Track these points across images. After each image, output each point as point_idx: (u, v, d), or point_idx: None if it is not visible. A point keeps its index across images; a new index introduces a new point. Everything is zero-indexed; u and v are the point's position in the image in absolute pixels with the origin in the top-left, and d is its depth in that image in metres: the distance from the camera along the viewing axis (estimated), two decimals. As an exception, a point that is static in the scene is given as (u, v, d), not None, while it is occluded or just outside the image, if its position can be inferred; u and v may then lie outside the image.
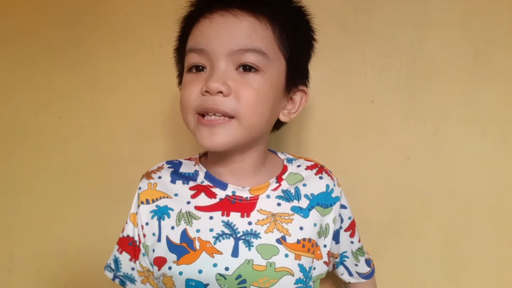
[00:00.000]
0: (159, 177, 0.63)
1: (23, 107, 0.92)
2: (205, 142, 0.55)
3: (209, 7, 0.55)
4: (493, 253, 0.83)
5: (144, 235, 0.60)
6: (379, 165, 0.85)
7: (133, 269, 0.62)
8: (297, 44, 0.58)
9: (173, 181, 0.62)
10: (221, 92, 0.53)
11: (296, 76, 0.60)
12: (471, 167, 0.83)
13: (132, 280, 0.62)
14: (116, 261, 0.63)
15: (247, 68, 0.54)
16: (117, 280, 0.63)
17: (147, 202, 0.61)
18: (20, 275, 0.93)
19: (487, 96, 0.82)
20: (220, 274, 0.55)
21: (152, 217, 0.60)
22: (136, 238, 0.62)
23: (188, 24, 0.59)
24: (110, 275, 0.64)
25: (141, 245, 0.61)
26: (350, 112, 0.85)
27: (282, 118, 0.61)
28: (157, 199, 0.61)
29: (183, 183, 0.62)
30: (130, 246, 0.62)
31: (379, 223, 0.85)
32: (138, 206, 0.61)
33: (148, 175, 0.64)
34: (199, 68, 0.56)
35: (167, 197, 0.61)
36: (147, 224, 0.60)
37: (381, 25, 0.83)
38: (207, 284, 0.55)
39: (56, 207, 0.93)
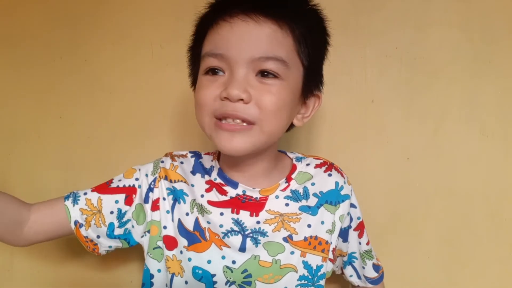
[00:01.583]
0: (182, 163, 0.65)
1: (23, 107, 0.92)
2: (224, 146, 0.55)
3: (230, 10, 0.54)
4: (493, 253, 0.83)
5: (158, 207, 0.61)
6: (379, 165, 0.85)
7: (85, 194, 0.62)
8: (315, 50, 0.58)
9: (193, 172, 0.64)
10: (241, 99, 0.53)
11: (312, 82, 0.60)
12: (471, 167, 0.83)
13: (75, 200, 0.61)
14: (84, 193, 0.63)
15: (266, 74, 0.54)
16: (70, 197, 0.62)
17: (166, 179, 0.63)
18: (20, 275, 0.93)
19: (487, 96, 0.82)
20: (227, 267, 0.57)
21: (169, 195, 0.61)
22: (115, 181, 0.63)
23: (205, 25, 0.58)
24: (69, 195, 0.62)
25: (135, 197, 0.61)
26: (350, 112, 0.85)
27: (296, 122, 0.61)
28: (175, 181, 0.62)
29: (202, 177, 0.64)
30: (104, 183, 0.64)
31: (379, 223, 0.85)
32: (156, 175, 0.62)
33: (172, 156, 0.66)
34: (215, 71, 0.56)
35: (184, 182, 0.63)
36: (164, 199, 0.61)
37: (381, 25, 0.83)
38: (214, 275, 0.57)
39: (56, 207, 0.92)
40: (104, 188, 0.63)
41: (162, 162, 0.65)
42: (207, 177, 0.64)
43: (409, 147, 0.84)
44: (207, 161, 0.66)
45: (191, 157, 0.66)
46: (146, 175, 0.63)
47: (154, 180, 0.62)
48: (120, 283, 0.90)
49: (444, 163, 0.83)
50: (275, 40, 0.53)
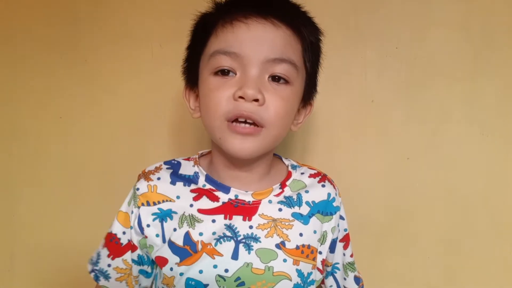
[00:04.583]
0: (158, 178, 0.61)
1: (23, 106, 0.92)
2: (235, 149, 0.55)
3: (245, 11, 0.55)
4: (493, 253, 0.83)
5: (146, 236, 0.59)
6: (379, 165, 0.85)
7: (109, 265, 0.61)
8: (316, 59, 0.61)
9: (173, 183, 0.61)
10: (256, 100, 0.53)
11: (311, 89, 0.63)
12: (471, 167, 0.83)
13: (106, 277, 0.62)
14: (98, 255, 0.63)
15: (277, 78, 0.55)
16: (92, 274, 0.63)
17: (148, 204, 0.60)
18: (20, 275, 0.93)
19: (487, 96, 0.82)
20: (219, 275, 0.55)
21: (154, 220, 0.59)
22: (122, 237, 0.61)
23: (211, 24, 0.57)
24: (89, 267, 0.63)
25: (136, 242, 0.60)
26: (350, 112, 0.85)
27: (292, 128, 0.63)
28: (159, 202, 0.60)
29: (184, 185, 0.61)
30: (111, 242, 0.61)
31: (379, 223, 0.85)
32: (137, 207, 0.60)
33: (146, 176, 0.62)
34: (224, 72, 0.55)
35: (169, 201, 0.60)
36: (148, 226, 0.59)
37: (381, 25, 0.83)
38: (207, 285, 0.55)
39: (56, 207, 0.92)
40: (118, 249, 0.61)
41: (138, 189, 0.61)
42: (193, 186, 0.61)
43: (409, 147, 0.84)
44: (188, 168, 0.63)
45: (167, 168, 0.63)
46: (132, 212, 0.61)
47: (137, 212, 0.60)
48: (120, 283, 0.90)
49: (444, 163, 0.83)
50: (289, 44, 0.55)
